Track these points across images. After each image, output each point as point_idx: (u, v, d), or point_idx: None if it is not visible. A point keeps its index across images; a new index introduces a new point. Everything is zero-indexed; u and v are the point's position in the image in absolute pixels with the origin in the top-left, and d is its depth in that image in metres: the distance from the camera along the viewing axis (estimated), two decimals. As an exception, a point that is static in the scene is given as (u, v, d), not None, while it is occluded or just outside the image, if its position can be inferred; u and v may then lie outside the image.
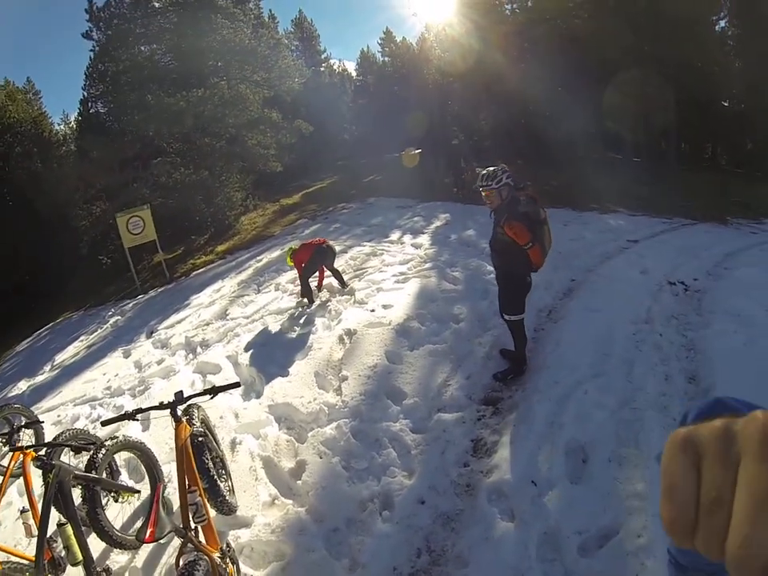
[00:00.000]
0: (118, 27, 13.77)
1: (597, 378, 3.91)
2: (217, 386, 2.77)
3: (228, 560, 2.51)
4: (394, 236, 9.10)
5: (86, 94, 17.14)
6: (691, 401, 3.62)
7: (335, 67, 32.61)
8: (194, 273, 11.56)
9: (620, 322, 4.87)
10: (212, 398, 2.76)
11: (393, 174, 16.22)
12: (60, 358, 8.76)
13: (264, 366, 4.86)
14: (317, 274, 6.49)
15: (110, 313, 10.41)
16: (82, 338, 9.47)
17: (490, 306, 5.00)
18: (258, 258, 9.70)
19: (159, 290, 10.77)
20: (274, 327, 5.83)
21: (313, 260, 6.32)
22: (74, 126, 20.81)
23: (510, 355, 4.37)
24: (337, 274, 6.52)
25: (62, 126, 23.15)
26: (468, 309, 5.22)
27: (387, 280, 6.38)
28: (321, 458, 3.42)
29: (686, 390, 3.78)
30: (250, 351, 5.31)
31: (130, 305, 10.50)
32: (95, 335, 9.31)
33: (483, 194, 3.77)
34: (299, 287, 6.45)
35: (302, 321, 5.75)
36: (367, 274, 6.84)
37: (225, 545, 2.61)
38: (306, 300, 6.42)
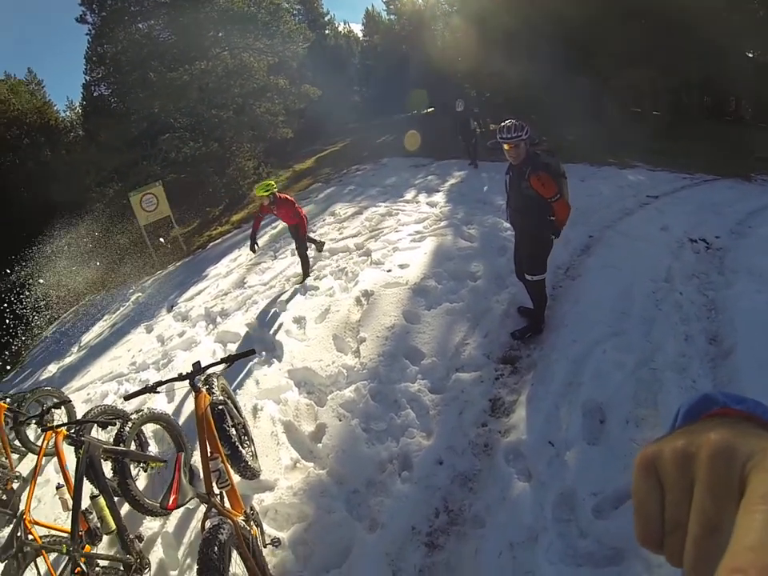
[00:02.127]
0: (112, 8, 13.49)
1: (615, 337, 3.84)
2: (232, 354, 2.82)
3: (252, 523, 2.58)
4: (409, 195, 9.00)
5: (87, 78, 16.86)
6: (711, 362, 3.54)
7: (340, 29, 31.59)
8: (211, 244, 11.72)
9: (639, 279, 4.74)
10: (228, 366, 2.82)
11: (401, 137, 15.86)
12: (86, 338, 9.04)
13: (283, 331, 4.92)
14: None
15: (131, 291, 10.65)
16: (105, 318, 9.74)
17: (508, 263, 4.88)
18: (274, 224, 9.66)
19: (177, 264, 10.96)
20: (292, 292, 5.87)
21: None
22: (80, 111, 20.52)
23: (528, 313, 4.29)
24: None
25: (67, 113, 22.90)
26: (485, 266, 5.16)
27: (403, 239, 6.34)
28: (340, 420, 3.48)
29: (707, 350, 3.69)
30: (269, 317, 5.38)
31: (150, 281, 10.76)
32: (118, 314, 9.55)
33: (506, 147, 3.51)
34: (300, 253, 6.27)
35: (319, 284, 5.76)
36: (383, 234, 6.81)
37: (249, 508, 2.70)
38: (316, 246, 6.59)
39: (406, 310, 4.50)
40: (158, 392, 3.02)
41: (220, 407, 2.97)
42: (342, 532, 2.77)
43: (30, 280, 12.84)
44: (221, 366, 2.82)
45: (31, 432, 5.24)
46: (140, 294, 10.03)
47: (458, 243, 5.86)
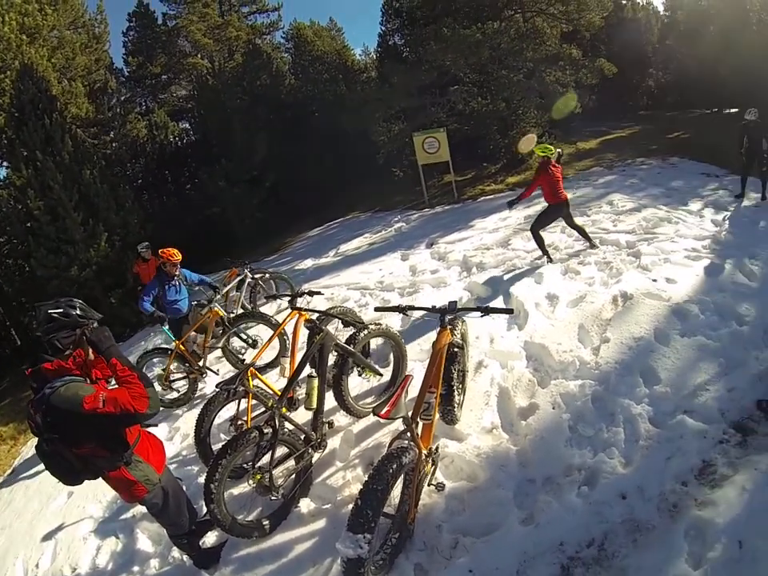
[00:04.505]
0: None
1: None
2: (491, 306, 2.94)
3: (430, 460, 2.74)
4: (694, 206, 7.82)
5: (383, 28, 18.65)
6: None
7: (638, 1, 27.34)
8: (482, 198, 12.07)
9: None
10: (482, 316, 2.93)
11: (702, 134, 13.75)
12: (344, 248, 10.41)
13: (533, 302, 4.95)
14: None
15: (396, 219, 11.71)
16: (366, 235, 11.00)
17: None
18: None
19: (446, 208, 11.58)
20: (553, 269, 5.83)
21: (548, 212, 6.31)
22: (374, 56, 22.77)
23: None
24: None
25: (362, 57, 25.78)
26: (757, 312, 4.26)
27: (677, 252, 5.68)
28: (553, 408, 3.41)
29: None
30: (523, 284, 5.46)
31: (415, 215, 11.64)
32: (378, 235, 10.69)
33: None
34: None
35: (581, 270, 5.62)
36: (657, 240, 6.19)
37: (434, 447, 2.86)
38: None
39: (659, 327, 4.05)
40: (407, 315, 3.31)
41: (455, 350, 3.14)
42: (498, 510, 2.78)
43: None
44: (473, 313, 2.97)
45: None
46: (404, 224, 11.04)
47: (735, 276, 4.95)
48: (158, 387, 5.42)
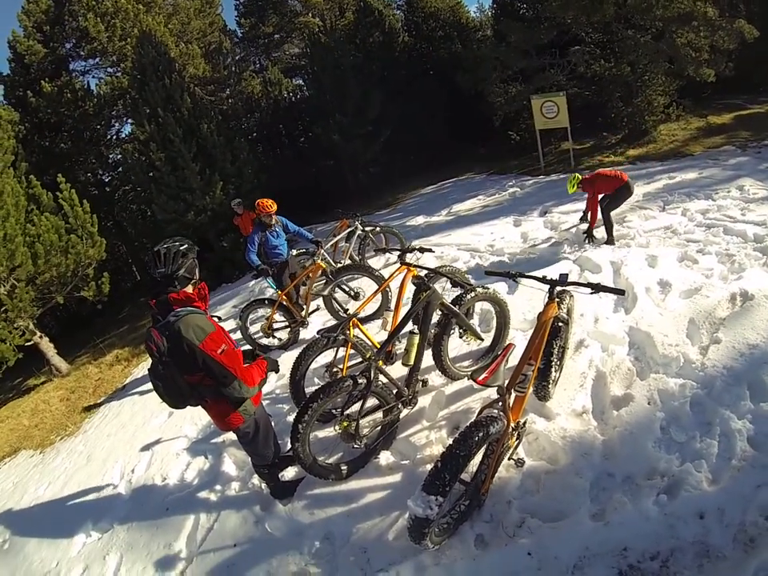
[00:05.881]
0: None
1: None
2: (602, 284, 2.80)
3: (516, 434, 2.73)
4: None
5: None
6: None
7: None
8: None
9: None
10: (592, 293, 2.81)
11: None
12: (457, 208, 10.38)
13: (644, 287, 4.66)
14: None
15: (511, 183, 11.41)
16: (480, 197, 10.88)
17: None
18: (672, 174, 8.81)
19: (561, 176, 11.02)
20: (672, 253, 5.42)
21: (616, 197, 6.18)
22: (490, 14, 21.48)
23: None
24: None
25: (477, 14, 24.64)
26: None
27: (814, 255, 4.95)
28: (649, 404, 3.20)
29: None
30: (635, 266, 5.14)
31: (530, 182, 11.25)
32: (492, 198, 10.53)
33: None
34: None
35: (700, 259, 5.16)
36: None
37: (522, 421, 2.83)
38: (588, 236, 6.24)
39: (780, 337, 3.58)
40: (516, 282, 3.24)
41: (560, 324, 3.07)
42: (571, 498, 2.70)
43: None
44: (582, 289, 2.84)
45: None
46: (518, 189, 10.73)
47: None
48: (261, 335, 5.81)
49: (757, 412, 2.97)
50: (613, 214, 6.28)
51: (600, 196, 6.24)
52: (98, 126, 15.60)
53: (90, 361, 9.34)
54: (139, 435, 5.10)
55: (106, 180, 17.07)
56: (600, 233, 6.40)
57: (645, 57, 11.77)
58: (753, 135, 11.23)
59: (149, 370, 2.66)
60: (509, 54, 13.02)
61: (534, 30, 12.73)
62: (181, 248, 2.62)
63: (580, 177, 6.47)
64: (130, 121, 15.33)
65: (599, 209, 6.22)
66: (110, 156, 16.93)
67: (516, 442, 2.81)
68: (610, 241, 6.14)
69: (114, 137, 16.85)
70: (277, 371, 3.12)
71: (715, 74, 12.12)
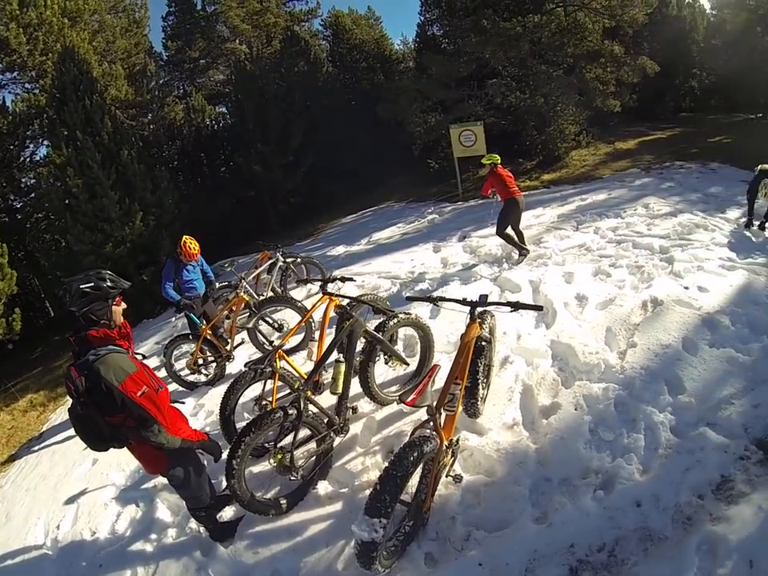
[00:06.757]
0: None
1: None
2: (521, 302, 2.92)
3: (451, 451, 2.78)
4: (732, 214, 7.58)
5: (422, 18, 18.37)
6: None
7: None
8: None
9: None
10: (511, 311, 2.93)
11: (744, 141, 13.23)
12: (377, 236, 10.45)
13: (562, 302, 4.95)
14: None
15: (430, 210, 11.70)
16: (399, 225, 11.04)
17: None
18: (584, 196, 9.54)
19: (479, 202, 11.38)
20: (587, 269, 5.81)
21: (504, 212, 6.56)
22: (412, 46, 22.53)
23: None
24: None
25: (400, 46, 25.75)
26: None
27: (711, 261, 5.54)
28: (576, 410, 3.40)
29: None
30: (553, 283, 5.44)
31: (449, 208, 11.64)
32: (411, 226, 10.71)
33: None
34: None
35: (612, 272, 5.58)
36: (692, 247, 6.06)
37: (455, 439, 2.89)
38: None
39: (688, 336, 3.97)
40: (437, 306, 3.34)
41: (483, 343, 3.16)
42: (512, 506, 2.80)
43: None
44: (502, 308, 2.96)
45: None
46: (437, 216, 11.02)
47: (771, 290, 4.81)
48: (186, 371, 5.56)
49: (676, 404, 3.29)
50: (530, 236, 6.62)
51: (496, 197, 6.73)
52: (11, 147, 14.62)
53: (1, 407, 8.46)
54: (62, 487, 4.63)
55: (18, 206, 15.94)
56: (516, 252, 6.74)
57: (557, 89, 12.76)
58: (655, 158, 12.56)
59: (68, 410, 2.50)
60: (430, 85, 13.66)
61: (454, 63, 13.45)
62: (81, 287, 2.45)
63: (498, 159, 6.74)
64: (46, 142, 14.46)
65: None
66: (23, 180, 15.86)
67: (451, 459, 2.86)
68: (522, 252, 6.49)
69: (28, 159, 15.78)
70: (216, 459, 2.98)
71: (621, 105, 13.51)
